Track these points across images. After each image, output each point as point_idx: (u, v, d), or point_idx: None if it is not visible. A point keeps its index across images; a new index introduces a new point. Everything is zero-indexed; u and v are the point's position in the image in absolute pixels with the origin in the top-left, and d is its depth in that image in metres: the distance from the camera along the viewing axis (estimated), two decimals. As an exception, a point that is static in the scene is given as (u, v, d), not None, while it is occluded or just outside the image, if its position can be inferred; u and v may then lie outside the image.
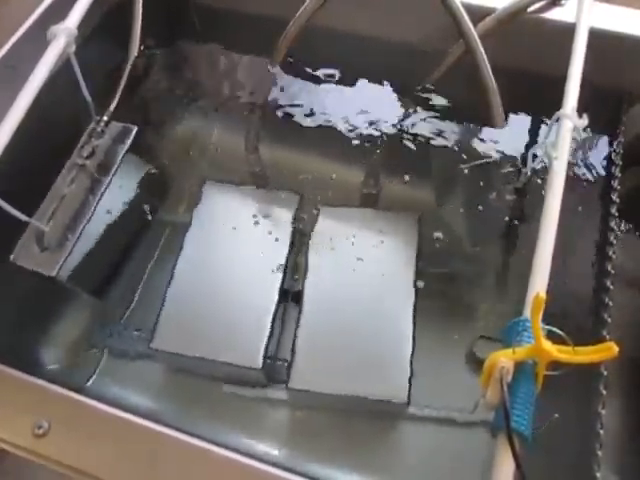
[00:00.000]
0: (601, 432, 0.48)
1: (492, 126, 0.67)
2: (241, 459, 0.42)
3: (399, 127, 0.73)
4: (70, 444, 0.43)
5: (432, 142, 0.72)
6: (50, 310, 0.64)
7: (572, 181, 0.66)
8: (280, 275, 0.59)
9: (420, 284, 0.59)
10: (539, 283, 0.40)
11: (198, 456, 0.43)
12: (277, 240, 0.61)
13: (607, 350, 0.34)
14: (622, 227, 0.64)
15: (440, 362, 0.60)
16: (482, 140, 0.70)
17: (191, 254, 0.60)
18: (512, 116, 0.69)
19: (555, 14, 0.64)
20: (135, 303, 0.65)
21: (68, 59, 0.54)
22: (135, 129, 0.63)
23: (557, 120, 0.50)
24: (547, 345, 0.35)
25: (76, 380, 0.61)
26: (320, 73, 0.78)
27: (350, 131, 0.74)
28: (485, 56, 0.63)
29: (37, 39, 0.53)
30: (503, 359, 0.36)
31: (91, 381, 0.61)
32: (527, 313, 0.39)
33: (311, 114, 0.75)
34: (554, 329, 0.37)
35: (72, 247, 0.57)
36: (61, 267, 0.56)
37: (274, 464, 0.42)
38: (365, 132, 0.74)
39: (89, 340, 0.63)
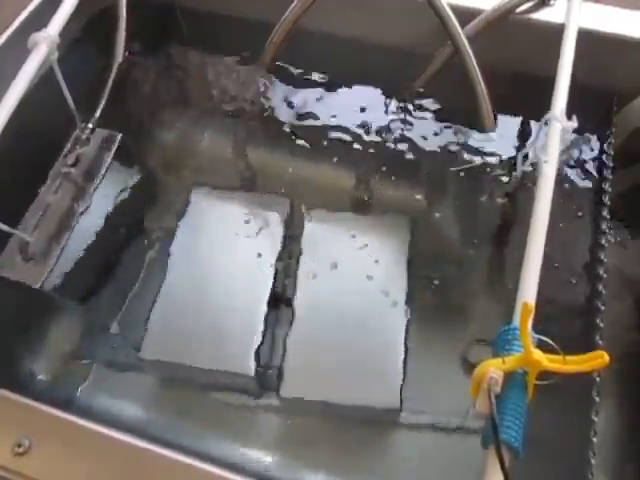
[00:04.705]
0: (594, 440, 0.47)
1: (481, 128, 0.66)
2: (227, 475, 0.41)
3: (389, 130, 0.72)
4: (52, 463, 0.42)
5: (422, 145, 0.71)
6: (36, 321, 0.64)
7: (563, 184, 0.65)
8: (270, 281, 0.58)
9: (411, 288, 0.58)
10: (528, 290, 0.39)
11: (185, 472, 0.42)
12: (267, 245, 0.60)
13: (598, 359, 0.33)
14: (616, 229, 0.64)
15: (433, 367, 0.60)
16: (472, 143, 0.70)
17: (180, 261, 0.60)
18: (503, 118, 0.69)
19: (544, 14, 0.63)
20: (123, 312, 0.64)
21: (51, 66, 0.53)
22: (120, 136, 0.62)
23: (546, 122, 0.50)
24: (537, 354, 0.34)
25: (64, 392, 0.60)
26: (308, 76, 0.77)
27: (340, 134, 0.73)
28: (473, 57, 0.63)
29: (22, 45, 0.53)
30: (492, 369, 0.35)
31: (80, 392, 0.60)
32: (516, 321, 0.38)
33: (300, 118, 0.75)
34: (544, 338, 0.36)
35: (57, 257, 0.56)
36: (46, 278, 0.55)
37: (261, 478, 0.42)
38: (355, 135, 0.73)
39: (77, 351, 0.63)
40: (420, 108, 0.72)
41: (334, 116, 0.75)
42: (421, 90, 0.71)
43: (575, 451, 0.50)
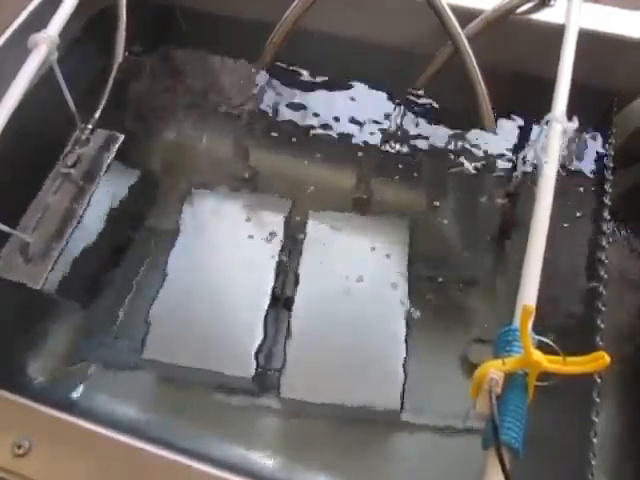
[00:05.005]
0: (595, 440, 0.47)
1: (482, 128, 0.66)
2: (226, 475, 0.41)
3: (389, 130, 0.72)
4: (52, 464, 0.42)
5: (422, 145, 0.71)
6: (36, 322, 0.63)
7: (563, 184, 0.65)
8: (270, 283, 0.58)
9: (412, 288, 0.58)
10: (528, 291, 0.39)
11: (184, 473, 0.42)
12: (268, 246, 0.60)
13: (599, 360, 0.33)
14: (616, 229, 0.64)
15: (433, 368, 0.60)
16: (473, 144, 0.70)
17: (181, 261, 0.60)
18: (503, 118, 0.69)
19: (544, 15, 0.63)
20: (124, 313, 0.64)
21: (51, 66, 0.53)
22: (121, 136, 0.62)
23: (547, 123, 0.50)
24: (537, 355, 0.34)
25: (64, 392, 0.60)
26: (308, 77, 0.77)
27: (340, 135, 0.73)
28: (473, 57, 0.62)
29: (22, 46, 0.52)
30: (493, 370, 0.35)
31: (80, 393, 0.60)
32: (517, 322, 0.38)
33: (299, 118, 0.75)
34: (544, 339, 0.36)
35: (57, 258, 0.56)
36: (46, 278, 0.55)
37: (262, 479, 0.42)
38: (355, 136, 0.73)
39: (78, 352, 0.63)
40: (420, 108, 0.72)
41: (334, 116, 0.75)
42: (422, 91, 0.70)
43: (575, 451, 0.50)
